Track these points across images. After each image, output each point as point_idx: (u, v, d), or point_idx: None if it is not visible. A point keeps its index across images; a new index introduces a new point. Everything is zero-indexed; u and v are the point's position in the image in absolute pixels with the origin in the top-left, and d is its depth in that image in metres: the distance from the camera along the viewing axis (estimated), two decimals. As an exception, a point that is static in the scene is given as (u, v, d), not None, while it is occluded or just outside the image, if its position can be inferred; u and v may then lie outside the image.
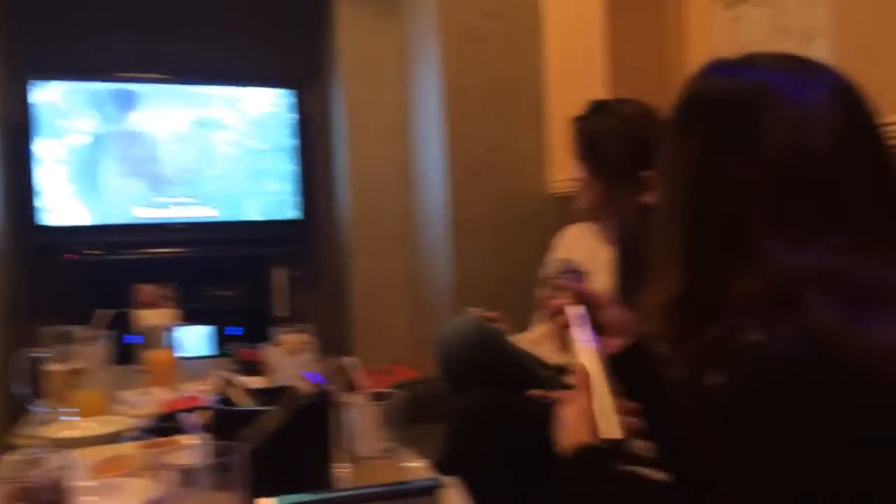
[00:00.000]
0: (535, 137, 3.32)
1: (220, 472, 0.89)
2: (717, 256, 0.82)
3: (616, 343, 1.16)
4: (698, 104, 0.90)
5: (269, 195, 3.97)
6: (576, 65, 2.96)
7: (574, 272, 1.25)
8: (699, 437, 0.78)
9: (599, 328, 1.16)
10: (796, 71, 0.89)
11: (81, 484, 1.12)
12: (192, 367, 2.28)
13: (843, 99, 0.86)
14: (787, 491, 0.67)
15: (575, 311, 1.17)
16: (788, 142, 0.81)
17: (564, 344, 1.18)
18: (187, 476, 0.89)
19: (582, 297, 1.17)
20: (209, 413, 1.10)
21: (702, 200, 0.85)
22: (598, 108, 1.95)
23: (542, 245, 2.44)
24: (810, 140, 0.82)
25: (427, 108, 3.49)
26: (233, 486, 0.90)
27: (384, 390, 1.15)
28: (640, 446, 1.13)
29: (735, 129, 0.85)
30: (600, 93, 2.58)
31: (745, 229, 0.80)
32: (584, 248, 2.07)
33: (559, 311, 1.19)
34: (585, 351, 1.11)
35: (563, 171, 3.02)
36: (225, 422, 1.07)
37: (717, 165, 0.84)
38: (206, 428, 1.06)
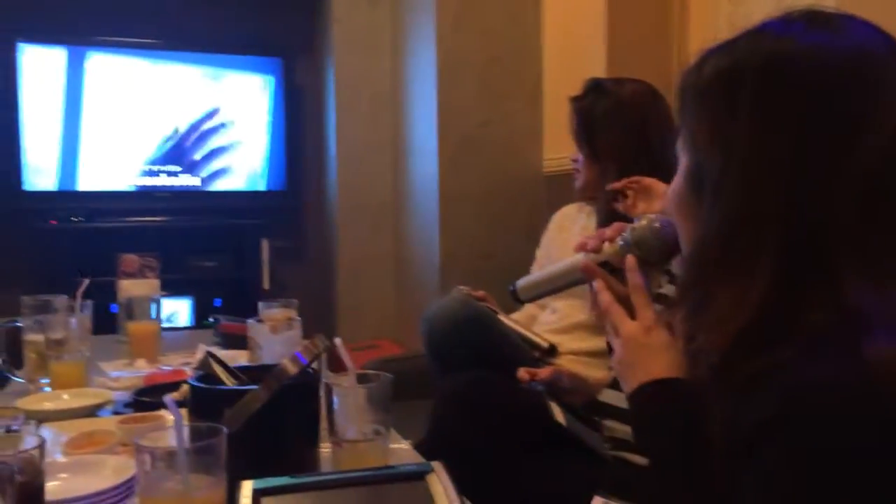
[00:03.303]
0: (531, 114, 3.27)
1: (200, 455, 0.86)
2: (794, 278, 0.69)
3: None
4: (793, 82, 0.71)
5: (256, 166, 3.92)
6: (575, 40, 2.91)
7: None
8: (724, 455, 0.70)
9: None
10: (887, 39, 0.73)
11: (55, 460, 1.08)
12: (174, 338, 2.25)
13: None
14: None
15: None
16: (888, 146, 0.68)
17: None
18: (165, 457, 0.85)
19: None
20: (189, 392, 1.07)
21: (794, 212, 0.69)
22: (595, 87, 1.92)
23: (533, 224, 2.41)
24: None
25: (420, 81, 3.44)
26: (213, 468, 0.87)
27: (370, 372, 1.12)
28: None
29: (838, 121, 0.69)
30: (600, 70, 2.53)
31: (823, 250, 0.69)
32: (580, 229, 2.04)
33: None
34: None
35: (559, 149, 2.97)
36: (206, 401, 1.04)
37: (811, 170, 0.70)
38: (186, 406, 1.03)
